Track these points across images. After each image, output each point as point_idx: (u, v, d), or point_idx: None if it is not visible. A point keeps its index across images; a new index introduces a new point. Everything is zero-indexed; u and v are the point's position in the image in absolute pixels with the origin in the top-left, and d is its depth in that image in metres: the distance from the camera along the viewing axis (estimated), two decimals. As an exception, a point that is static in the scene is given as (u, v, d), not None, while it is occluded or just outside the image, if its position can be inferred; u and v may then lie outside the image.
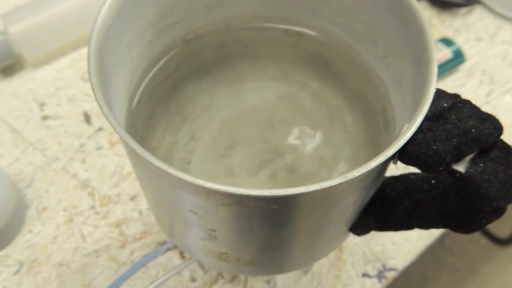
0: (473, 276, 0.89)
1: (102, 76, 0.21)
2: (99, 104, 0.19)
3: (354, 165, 0.27)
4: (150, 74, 0.29)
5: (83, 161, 0.40)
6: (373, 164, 0.18)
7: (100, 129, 0.42)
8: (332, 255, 0.37)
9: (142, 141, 0.27)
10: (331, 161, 0.27)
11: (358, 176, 0.18)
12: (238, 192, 0.17)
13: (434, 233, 0.38)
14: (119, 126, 0.19)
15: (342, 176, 0.18)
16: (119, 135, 0.19)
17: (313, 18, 0.30)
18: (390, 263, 0.37)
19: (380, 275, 0.36)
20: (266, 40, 0.31)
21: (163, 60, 0.29)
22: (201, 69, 0.31)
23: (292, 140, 0.28)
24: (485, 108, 0.47)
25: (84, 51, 0.48)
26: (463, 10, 0.52)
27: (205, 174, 0.27)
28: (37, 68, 0.46)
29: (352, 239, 0.37)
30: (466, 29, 0.51)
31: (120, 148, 0.41)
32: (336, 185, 0.18)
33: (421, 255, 0.38)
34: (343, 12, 0.28)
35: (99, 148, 0.41)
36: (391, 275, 0.36)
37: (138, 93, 0.28)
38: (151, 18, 0.26)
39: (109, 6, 0.22)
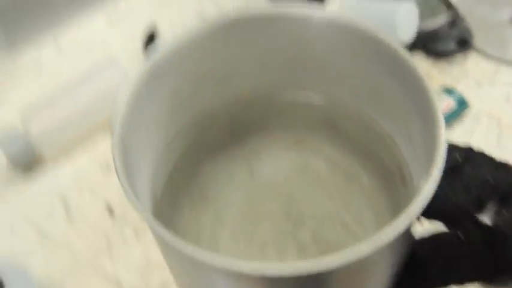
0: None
1: (127, 169, 0.22)
2: (132, 203, 0.19)
3: (379, 228, 0.27)
4: (168, 157, 0.29)
5: (110, 256, 0.40)
6: (399, 225, 0.18)
7: (123, 219, 0.43)
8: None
9: (169, 227, 0.27)
10: (356, 226, 0.27)
11: (386, 238, 0.18)
12: (286, 274, 0.17)
13: None
14: (152, 219, 0.19)
15: (370, 241, 0.18)
16: (150, 227, 0.19)
17: (317, 83, 0.30)
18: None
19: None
20: (275, 111, 0.32)
21: (176, 142, 0.30)
22: (215, 148, 0.31)
23: (313, 209, 0.28)
24: (497, 151, 0.47)
25: (98, 138, 0.49)
26: (458, 57, 0.53)
27: (234, 255, 0.27)
28: (55, 162, 0.48)
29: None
30: (465, 75, 0.52)
31: (146, 237, 0.41)
32: (367, 252, 0.18)
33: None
34: (344, 75, 0.29)
35: (124, 239, 0.41)
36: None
37: (159, 177, 0.29)
38: (166, 105, 0.27)
39: (128, 99, 0.24)
